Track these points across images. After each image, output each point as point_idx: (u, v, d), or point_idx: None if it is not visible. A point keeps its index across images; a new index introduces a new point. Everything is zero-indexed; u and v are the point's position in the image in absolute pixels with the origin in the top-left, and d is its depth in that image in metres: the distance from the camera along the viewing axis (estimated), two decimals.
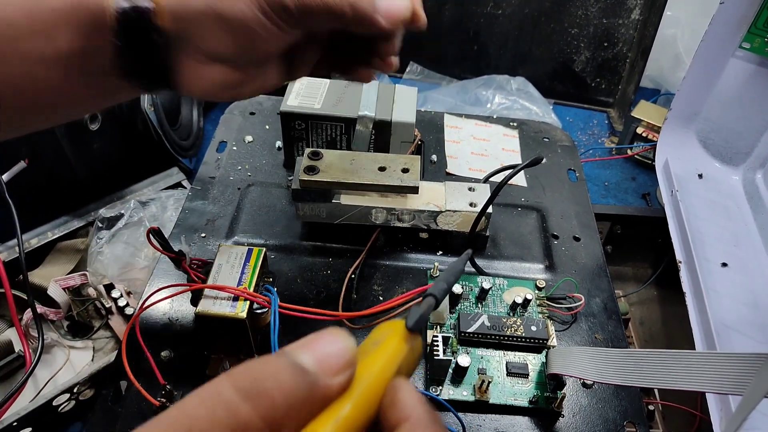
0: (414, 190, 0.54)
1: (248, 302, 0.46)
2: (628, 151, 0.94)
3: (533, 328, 0.50)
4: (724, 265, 0.62)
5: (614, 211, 0.70)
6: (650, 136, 0.91)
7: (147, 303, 0.48)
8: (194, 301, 0.48)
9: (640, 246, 0.74)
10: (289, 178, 0.64)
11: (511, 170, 0.64)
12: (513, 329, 0.50)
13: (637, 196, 0.90)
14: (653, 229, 0.72)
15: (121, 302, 0.62)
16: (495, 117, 0.79)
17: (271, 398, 0.18)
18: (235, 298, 0.46)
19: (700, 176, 0.72)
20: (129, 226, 0.61)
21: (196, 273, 0.48)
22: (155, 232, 0.48)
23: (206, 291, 0.46)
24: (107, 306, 0.62)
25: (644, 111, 0.92)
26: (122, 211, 0.63)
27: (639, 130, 0.92)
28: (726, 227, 0.67)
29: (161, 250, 0.49)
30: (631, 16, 0.99)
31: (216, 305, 0.45)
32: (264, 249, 0.50)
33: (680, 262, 0.62)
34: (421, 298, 0.26)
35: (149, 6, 0.33)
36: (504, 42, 1.07)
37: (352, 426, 0.19)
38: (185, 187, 0.74)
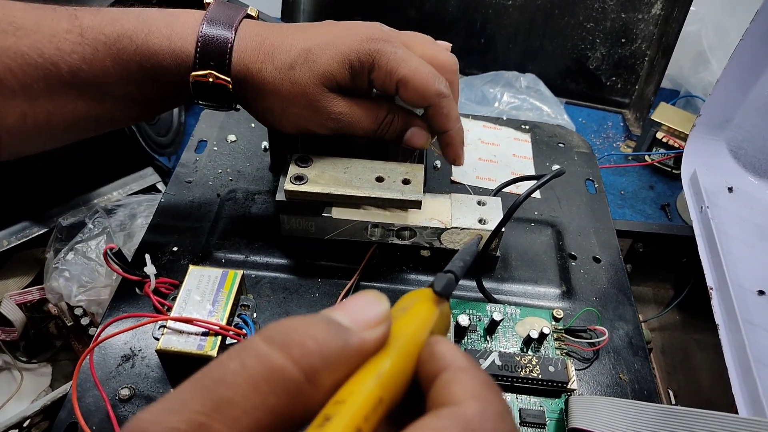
0: (416, 204, 0.47)
1: (220, 337, 0.39)
2: (647, 158, 0.87)
3: (551, 369, 0.43)
4: (761, 293, 0.56)
5: (637, 227, 0.63)
6: (671, 142, 0.84)
7: (102, 335, 0.41)
8: (158, 333, 0.41)
9: (663, 265, 0.67)
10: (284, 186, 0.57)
11: (526, 181, 0.57)
12: (528, 370, 0.43)
13: (656, 207, 0.84)
14: (678, 248, 0.65)
15: (84, 321, 0.55)
16: (505, 118, 0.72)
17: (304, 347, 0.18)
18: (205, 332, 0.39)
19: (730, 190, 0.66)
20: (91, 237, 0.54)
21: (159, 300, 0.41)
22: (114, 253, 0.41)
23: (170, 323, 0.39)
24: (69, 324, 0.55)
25: (664, 114, 0.86)
26: (85, 219, 0.56)
27: (659, 135, 0.85)
28: (760, 249, 0.60)
29: (121, 273, 0.42)
30: (651, 11, 0.92)
31: (181, 340, 0.39)
32: (241, 272, 0.43)
33: (711, 288, 0.55)
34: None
35: (227, 80, 0.42)
36: (513, 35, 0.99)
37: (394, 382, 0.19)
38: (160, 191, 0.67)
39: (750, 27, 0.58)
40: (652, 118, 0.86)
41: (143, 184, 0.64)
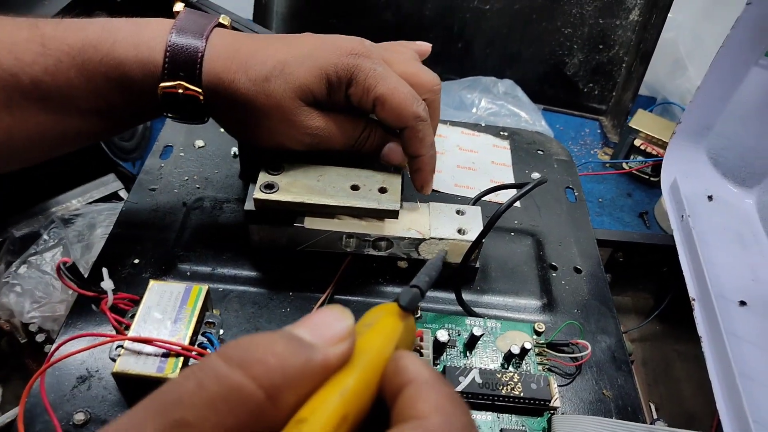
0: (393, 214, 0.45)
1: (182, 358, 0.36)
2: (625, 166, 0.87)
3: (533, 386, 0.42)
4: (743, 303, 0.55)
5: (617, 237, 0.62)
6: (649, 150, 0.83)
7: (55, 357, 0.38)
8: (115, 354, 0.38)
9: (643, 275, 0.66)
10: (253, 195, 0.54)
11: (506, 189, 0.56)
12: (509, 387, 0.41)
13: (634, 215, 0.83)
14: (658, 257, 0.64)
15: (39, 338, 0.51)
16: (483, 125, 0.70)
17: (264, 365, 0.17)
18: (166, 353, 0.36)
19: (710, 198, 0.65)
20: (46, 249, 0.51)
21: (117, 318, 0.39)
22: (68, 267, 0.38)
23: (127, 344, 0.36)
24: (22, 342, 0.52)
25: (642, 121, 0.85)
26: (40, 230, 0.52)
27: (636, 143, 0.84)
28: (741, 258, 0.60)
29: (76, 289, 0.39)
30: (629, 17, 0.91)
31: (140, 362, 0.36)
32: (206, 287, 0.41)
33: (693, 299, 0.54)
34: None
35: (198, 91, 0.40)
36: (491, 40, 0.98)
37: (359, 399, 0.19)
38: (123, 199, 0.63)
39: (730, 34, 0.57)
40: (629, 125, 0.85)
41: (104, 192, 0.61)
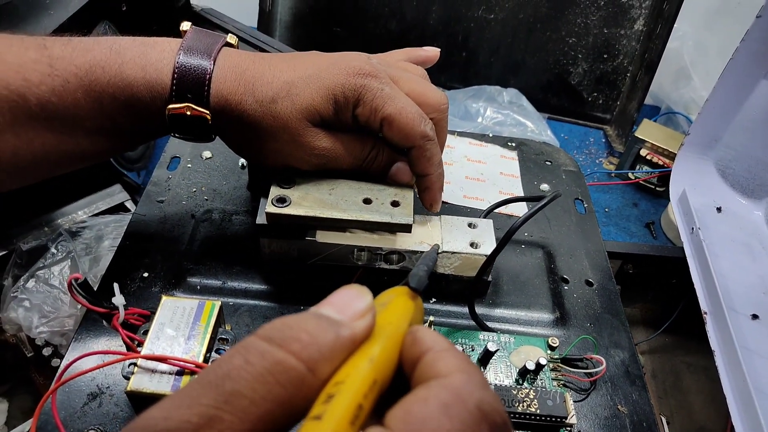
0: (406, 228, 0.45)
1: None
2: (630, 175, 0.87)
3: (549, 403, 0.41)
4: (755, 317, 0.55)
5: (627, 249, 0.62)
6: (655, 159, 0.83)
7: (66, 375, 0.37)
8: (128, 372, 0.38)
9: (652, 287, 0.66)
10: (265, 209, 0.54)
11: (517, 202, 0.56)
12: (525, 404, 0.41)
13: (641, 225, 0.83)
14: (667, 269, 0.64)
15: (46, 351, 0.50)
16: (490, 135, 0.70)
17: (301, 342, 0.19)
18: (180, 371, 0.36)
19: (719, 210, 0.65)
20: (54, 262, 0.50)
21: (129, 335, 0.38)
22: (79, 283, 0.38)
23: (140, 361, 0.36)
24: (28, 355, 0.51)
25: (648, 131, 0.85)
26: (47, 243, 0.52)
27: (642, 153, 0.84)
28: (751, 270, 0.59)
29: (87, 305, 0.38)
30: (634, 27, 0.91)
31: (154, 381, 0.35)
32: (219, 302, 0.40)
33: (705, 313, 0.54)
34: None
35: (206, 113, 0.40)
36: (495, 49, 0.98)
37: (384, 366, 0.21)
38: (129, 210, 0.63)
39: (740, 46, 0.57)
40: (635, 135, 0.85)
41: (111, 203, 0.60)
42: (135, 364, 0.36)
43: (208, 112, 0.40)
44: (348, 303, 0.21)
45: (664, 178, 0.81)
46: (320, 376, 0.19)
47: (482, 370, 0.44)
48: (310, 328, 0.20)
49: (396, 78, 0.43)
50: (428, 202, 0.46)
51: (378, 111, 0.40)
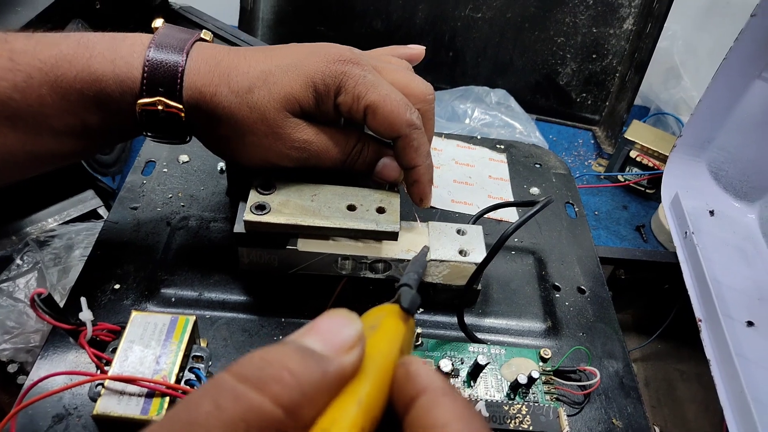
0: (393, 236, 0.43)
1: (168, 398, 0.34)
2: (620, 178, 0.85)
3: (542, 419, 0.40)
4: (750, 324, 0.53)
5: (619, 254, 0.60)
6: (645, 161, 0.82)
7: (28, 397, 0.35)
8: (95, 393, 0.35)
9: (644, 292, 0.64)
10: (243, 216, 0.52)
11: (506, 207, 0.54)
12: (518, 420, 0.39)
13: (631, 228, 0.81)
14: (660, 274, 0.62)
15: (11, 368, 0.48)
16: (478, 137, 0.68)
17: (281, 383, 0.17)
18: (150, 393, 0.34)
19: (712, 213, 0.63)
20: (19, 274, 0.47)
21: (96, 353, 0.35)
22: (43, 299, 0.35)
23: (108, 383, 0.33)
24: None
25: (638, 132, 0.84)
26: (12, 253, 0.49)
27: (632, 154, 0.83)
28: (746, 275, 0.58)
29: (52, 322, 0.36)
30: (623, 26, 0.90)
31: (122, 403, 0.33)
32: (194, 318, 0.38)
33: (700, 320, 0.52)
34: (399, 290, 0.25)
35: (179, 107, 0.37)
36: (483, 49, 0.97)
37: (374, 405, 0.19)
38: (102, 217, 0.60)
39: (733, 46, 0.55)
40: (625, 136, 0.83)
41: (83, 209, 0.57)
42: (102, 385, 0.33)
43: (181, 107, 0.38)
44: (336, 332, 0.19)
45: (655, 181, 0.79)
46: (302, 421, 0.17)
47: (472, 384, 0.42)
48: (292, 365, 0.17)
49: (379, 68, 0.41)
50: (418, 197, 0.44)
51: (361, 98, 0.38)
